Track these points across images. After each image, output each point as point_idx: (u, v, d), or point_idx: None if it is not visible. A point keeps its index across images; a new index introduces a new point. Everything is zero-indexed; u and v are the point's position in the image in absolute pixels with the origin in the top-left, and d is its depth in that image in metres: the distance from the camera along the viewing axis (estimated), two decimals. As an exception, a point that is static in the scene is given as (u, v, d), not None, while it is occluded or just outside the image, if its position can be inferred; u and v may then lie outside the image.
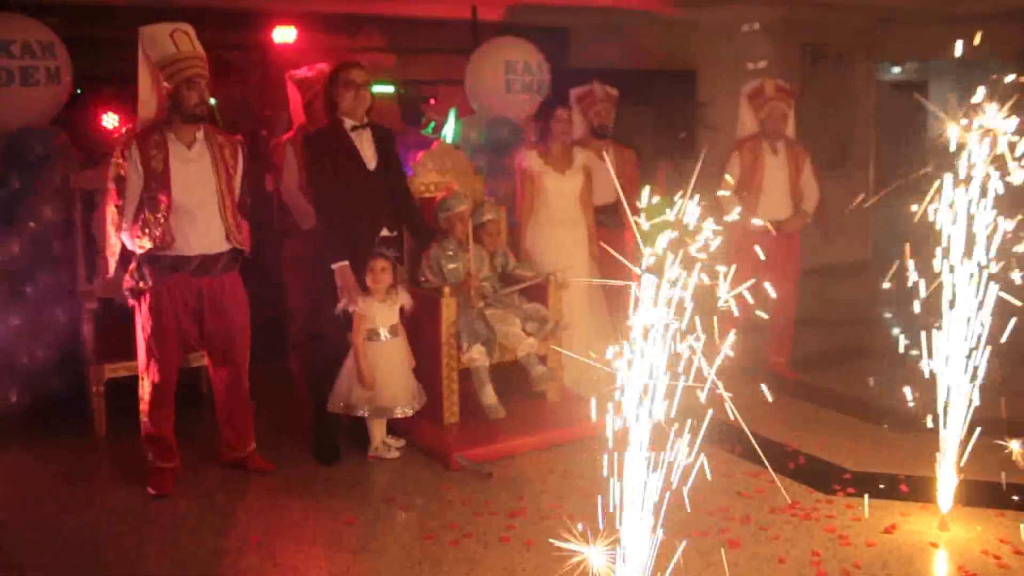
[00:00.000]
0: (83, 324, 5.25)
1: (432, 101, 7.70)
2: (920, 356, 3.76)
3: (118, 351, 5.03)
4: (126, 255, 4.18)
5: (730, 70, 8.63)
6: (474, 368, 4.87)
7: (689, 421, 2.82)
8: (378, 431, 4.75)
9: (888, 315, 3.79)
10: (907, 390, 3.84)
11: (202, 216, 4.16)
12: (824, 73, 9.50)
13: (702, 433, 2.86)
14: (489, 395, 4.90)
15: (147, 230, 4.09)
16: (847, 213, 6.20)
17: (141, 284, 4.15)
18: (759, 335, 5.89)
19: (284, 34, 7.02)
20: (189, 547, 3.84)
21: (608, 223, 5.80)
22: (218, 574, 3.64)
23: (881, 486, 4.29)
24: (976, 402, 3.75)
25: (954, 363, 3.71)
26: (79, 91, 6.11)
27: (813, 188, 5.97)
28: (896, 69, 12.79)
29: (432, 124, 7.70)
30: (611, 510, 2.85)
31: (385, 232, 4.79)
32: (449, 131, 6.81)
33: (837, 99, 9.66)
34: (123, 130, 4.36)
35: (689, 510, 2.99)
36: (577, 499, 4.12)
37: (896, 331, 3.82)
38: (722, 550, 3.64)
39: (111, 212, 4.14)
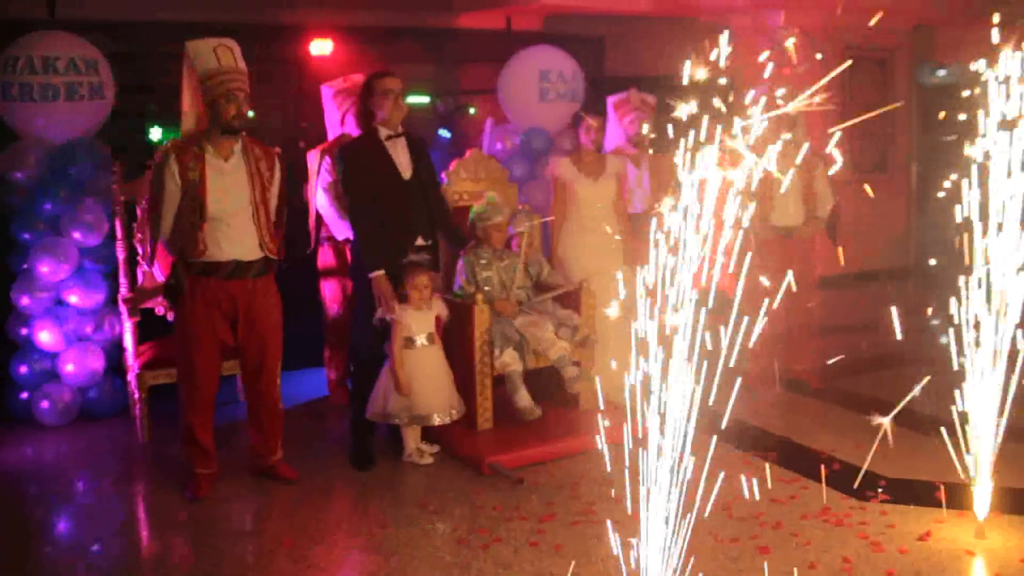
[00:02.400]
0: (125, 332, 5.37)
1: (471, 111, 7.77)
2: (955, 360, 3.73)
3: (160, 359, 5.15)
4: (163, 263, 4.29)
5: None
6: (508, 373, 4.90)
7: (720, 427, 2.83)
8: (412, 437, 4.80)
9: (927, 321, 3.75)
10: (953, 396, 3.80)
11: (235, 225, 4.26)
12: (864, 77, 9.41)
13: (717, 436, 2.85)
14: (524, 398, 4.93)
15: (182, 238, 4.19)
16: (888, 218, 6.14)
17: (176, 287, 4.25)
18: (781, 343, 5.86)
19: (321, 47, 7.12)
20: (225, 549, 3.92)
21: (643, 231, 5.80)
22: (253, 576, 3.71)
23: (916, 493, 4.24)
24: (1010, 407, 3.71)
25: (988, 366, 3.67)
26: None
27: (827, 194, 5.92)
28: (941, 72, 12.61)
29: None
30: (641, 515, 2.86)
31: (420, 241, 4.84)
32: None
33: (877, 103, 9.56)
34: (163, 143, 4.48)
35: (704, 514, 2.97)
36: (608, 505, 4.13)
37: (933, 336, 3.77)
38: (753, 556, 3.64)
39: (150, 222, 4.25)
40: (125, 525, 4.23)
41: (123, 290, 5.37)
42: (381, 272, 4.64)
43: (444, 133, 7.64)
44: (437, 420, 4.70)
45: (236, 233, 4.26)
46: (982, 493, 3.82)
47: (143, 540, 4.11)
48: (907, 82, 9.86)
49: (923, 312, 3.99)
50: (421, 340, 4.69)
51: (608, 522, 3.90)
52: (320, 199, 5.50)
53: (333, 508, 4.30)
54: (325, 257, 5.70)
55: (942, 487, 4.23)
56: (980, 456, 3.78)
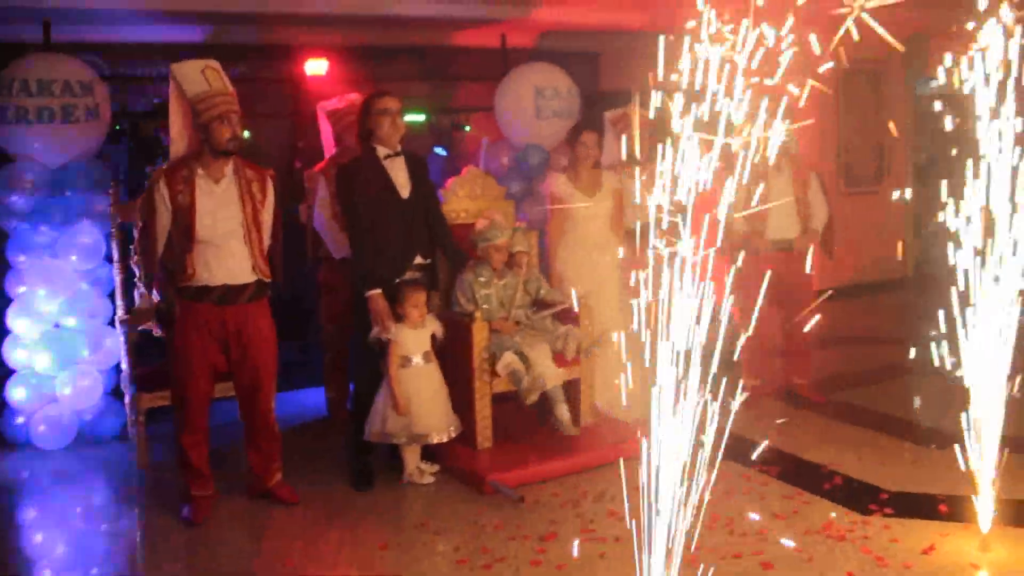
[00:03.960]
0: (123, 354, 5.36)
1: (463, 128, 7.79)
2: (953, 373, 3.72)
3: (158, 380, 5.13)
4: (159, 285, 4.28)
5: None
6: (511, 371, 4.86)
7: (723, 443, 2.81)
8: (412, 457, 4.78)
9: (924, 333, 3.75)
10: (954, 408, 3.79)
11: (227, 248, 4.25)
12: (858, 88, 9.44)
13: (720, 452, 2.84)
14: (532, 394, 4.83)
15: (172, 261, 4.19)
16: (885, 230, 6.15)
17: (167, 310, 4.25)
18: (780, 357, 5.87)
19: (316, 66, 7.15)
20: (224, 572, 3.89)
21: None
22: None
23: (919, 506, 4.23)
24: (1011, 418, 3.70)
25: (988, 379, 3.66)
26: (117, 127, 6.24)
27: (822, 206, 5.91)
28: (936, 82, 12.66)
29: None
30: (643, 532, 2.84)
31: (419, 259, 4.83)
32: None
33: (872, 114, 9.59)
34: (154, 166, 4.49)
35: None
36: (610, 522, 4.12)
37: (930, 349, 3.76)
38: (756, 572, 3.61)
39: (143, 244, 4.25)
40: (123, 549, 4.20)
41: (120, 312, 5.35)
42: (378, 291, 4.64)
43: (439, 151, 7.65)
44: (435, 438, 4.68)
45: (227, 257, 4.25)
46: (985, 505, 3.80)
47: (141, 564, 4.07)
48: (901, 93, 9.89)
49: (922, 324, 3.98)
50: (417, 359, 4.68)
51: (609, 540, 3.90)
52: (317, 218, 5.49)
53: (333, 530, 4.27)
54: (323, 276, 5.69)
55: (945, 500, 4.22)
56: (983, 468, 3.76)
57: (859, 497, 4.37)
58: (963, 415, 3.76)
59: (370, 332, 4.65)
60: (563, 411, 4.94)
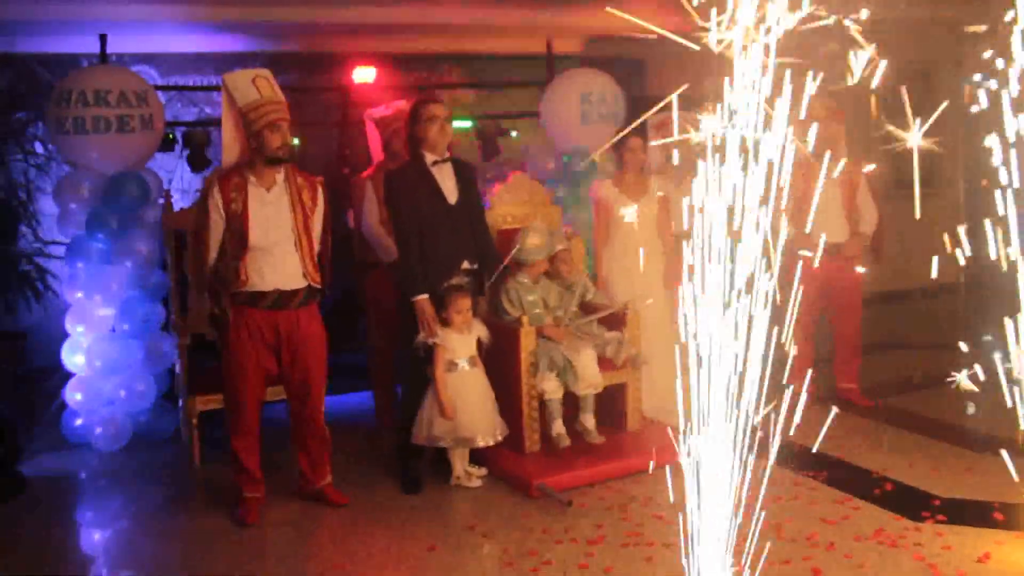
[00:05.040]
0: (177, 358, 5.46)
1: (512, 134, 7.81)
2: (1008, 377, 3.65)
3: (211, 384, 5.22)
4: (212, 291, 4.36)
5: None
6: (546, 400, 4.91)
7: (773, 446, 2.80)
8: (460, 460, 4.81)
9: (979, 337, 3.69)
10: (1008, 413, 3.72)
11: (278, 254, 4.32)
12: (909, 90, 9.32)
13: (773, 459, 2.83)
14: (558, 426, 4.93)
15: (225, 268, 4.27)
16: (938, 233, 6.04)
17: (220, 316, 4.33)
18: (828, 363, 5.81)
19: (364, 74, 7.23)
20: (276, 573, 3.95)
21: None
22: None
23: (973, 513, 4.16)
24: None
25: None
26: (170, 136, 6.38)
27: (871, 208, 5.84)
28: (989, 82, 12.44)
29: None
30: (692, 538, 2.84)
31: (466, 264, 4.87)
32: None
33: (924, 116, 9.46)
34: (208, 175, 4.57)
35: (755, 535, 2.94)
36: (658, 527, 4.10)
37: (985, 354, 3.70)
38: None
39: (196, 251, 4.34)
40: (175, 549, 4.27)
41: (174, 317, 5.46)
42: (424, 296, 4.68)
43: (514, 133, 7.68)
44: (481, 442, 4.71)
45: (279, 263, 4.32)
46: (1043, 513, 3.74)
47: (193, 564, 4.14)
48: (951, 94, 9.73)
49: (973, 329, 3.92)
50: (464, 363, 4.71)
51: (657, 545, 3.89)
52: (365, 224, 5.56)
53: (382, 532, 4.31)
54: (372, 282, 5.75)
55: (1000, 507, 4.15)
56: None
57: (911, 503, 4.31)
58: (1018, 420, 3.69)
59: (417, 337, 4.69)
60: (589, 419, 4.96)
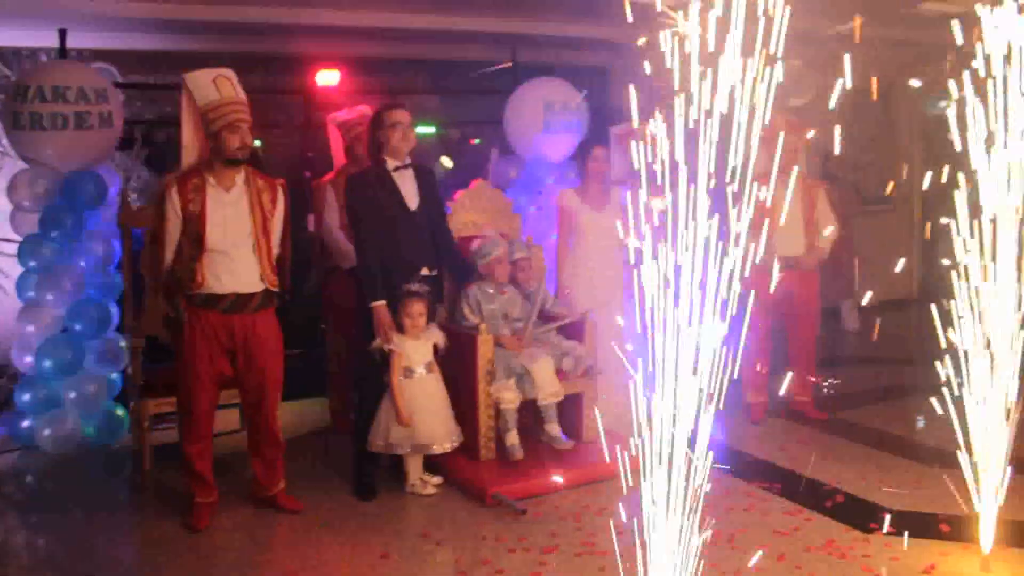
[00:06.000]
0: (130, 360, 5.39)
1: (472, 141, 7.82)
2: (958, 393, 3.72)
3: (163, 387, 5.16)
4: (167, 292, 4.31)
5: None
6: (502, 410, 4.91)
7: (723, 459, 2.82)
8: (415, 467, 4.80)
9: (926, 352, 3.76)
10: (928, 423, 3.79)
11: (236, 257, 4.28)
12: (867, 108, 9.46)
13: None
14: (512, 437, 4.93)
15: (181, 269, 4.22)
16: (892, 251, 6.15)
17: (175, 318, 4.28)
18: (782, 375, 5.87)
19: (327, 77, 7.20)
20: (227, 580, 3.91)
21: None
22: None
23: (920, 525, 4.22)
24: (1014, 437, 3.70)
25: (992, 398, 3.67)
26: (129, 134, 6.30)
27: (829, 222, 5.93)
28: (944, 103, 12.66)
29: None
30: (645, 547, 2.86)
31: (425, 271, 4.86)
32: None
33: (881, 134, 9.60)
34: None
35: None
36: (611, 537, 4.10)
37: (935, 368, 3.76)
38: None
39: (152, 252, 4.28)
40: (125, 555, 4.21)
41: (127, 318, 5.38)
42: (382, 302, 4.66)
43: (447, 163, 7.69)
44: (437, 449, 4.70)
45: (236, 265, 4.28)
46: (987, 525, 3.80)
47: (143, 570, 4.09)
48: (907, 112, 9.90)
49: (925, 343, 3.98)
50: (420, 369, 4.70)
51: (611, 554, 3.90)
52: (326, 229, 5.53)
53: (335, 539, 4.28)
54: (330, 287, 5.72)
55: (946, 519, 4.22)
56: (985, 488, 3.76)
57: (861, 515, 4.36)
58: (966, 434, 3.75)
59: (373, 343, 4.67)
60: (554, 428, 4.98)
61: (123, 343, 5.52)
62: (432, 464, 4.88)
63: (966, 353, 3.70)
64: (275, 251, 4.40)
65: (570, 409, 5.19)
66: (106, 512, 4.68)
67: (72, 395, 5.44)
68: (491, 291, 5.12)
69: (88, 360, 5.50)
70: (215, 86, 4.23)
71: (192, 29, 6.62)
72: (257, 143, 4.36)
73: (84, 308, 5.49)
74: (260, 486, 4.61)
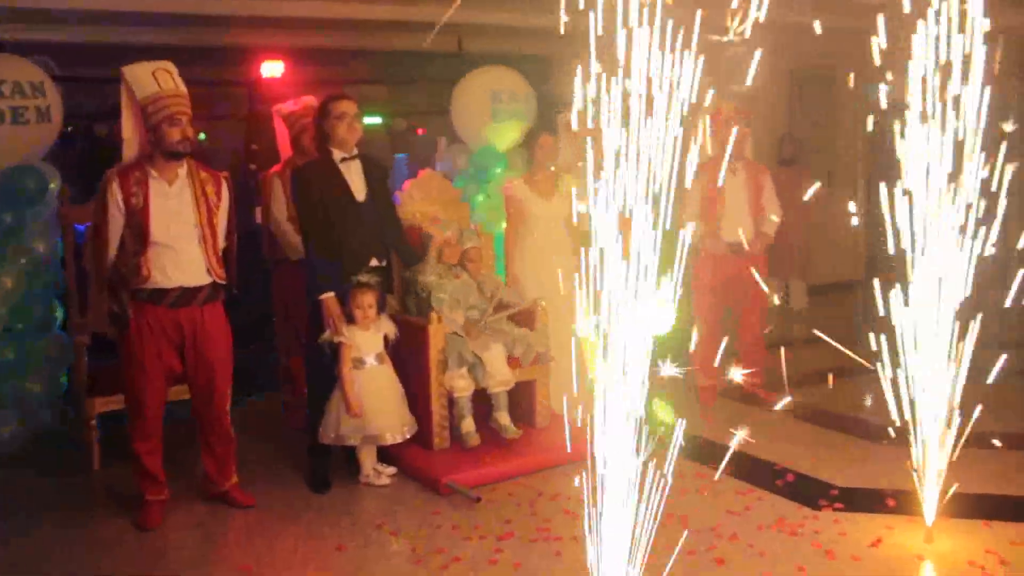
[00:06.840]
0: (76, 358, 5.29)
1: (420, 131, 7.79)
2: (897, 369, 3.80)
3: (111, 384, 5.07)
4: (111, 288, 4.24)
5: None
6: (456, 398, 4.91)
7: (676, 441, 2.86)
8: (368, 458, 4.79)
9: (867, 331, 3.83)
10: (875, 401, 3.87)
11: (181, 250, 4.23)
12: (812, 96, 9.59)
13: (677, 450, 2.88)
14: (468, 424, 4.94)
15: (125, 264, 4.16)
16: (840, 233, 6.23)
17: (121, 314, 4.21)
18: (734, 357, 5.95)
19: (272, 68, 7.12)
20: (179, 577, 3.87)
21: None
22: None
23: (867, 500, 4.32)
24: (956, 413, 3.78)
25: (931, 374, 3.75)
26: (69, 128, 6.17)
27: (775, 208, 6.00)
28: (884, 87, 12.86)
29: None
30: (598, 531, 2.88)
31: (374, 262, 4.84)
32: None
33: (826, 122, 9.74)
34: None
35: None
36: (566, 521, 4.15)
37: (877, 347, 3.83)
38: (710, 568, 3.67)
39: (96, 247, 4.21)
40: (74, 555, 4.14)
41: (72, 316, 5.29)
42: (331, 294, 4.63)
43: (401, 123, 7.66)
44: (389, 439, 4.69)
45: (182, 258, 4.23)
46: (930, 498, 3.89)
47: (94, 570, 4.03)
48: (853, 98, 10.05)
49: (866, 322, 4.06)
50: (370, 360, 4.69)
51: (565, 539, 3.94)
52: (273, 221, 5.48)
53: (289, 532, 4.26)
54: (278, 279, 5.67)
55: (892, 494, 4.31)
56: (927, 462, 3.85)
57: (810, 493, 4.46)
58: (913, 410, 3.84)
59: (323, 335, 4.65)
60: (504, 416, 5.00)
61: (68, 341, 5.42)
62: (386, 454, 4.87)
63: (903, 328, 3.78)
64: (221, 244, 4.35)
65: (523, 396, 5.21)
66: (54, 513, 4.60)
67: (17, 395, 5.33)
68: (441, 280, 5.10)
69: (32, 360, 5.39)
70: (155, 79, 4.17)
71: (133, 22, 6.50)
72: (201, 136, 4.29)
73: (26, 306, 5.38)
74: (212, 482, 4.57)
